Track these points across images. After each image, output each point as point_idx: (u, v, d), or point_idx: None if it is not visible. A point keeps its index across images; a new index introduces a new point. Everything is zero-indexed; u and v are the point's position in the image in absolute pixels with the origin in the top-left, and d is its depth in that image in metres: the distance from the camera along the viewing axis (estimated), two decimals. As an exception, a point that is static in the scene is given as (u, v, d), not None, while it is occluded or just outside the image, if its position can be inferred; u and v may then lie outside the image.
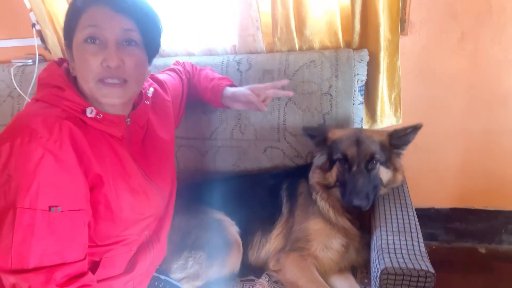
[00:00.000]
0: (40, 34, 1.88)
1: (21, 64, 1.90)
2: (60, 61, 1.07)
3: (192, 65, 1.59)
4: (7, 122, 1.77)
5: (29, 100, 1.76)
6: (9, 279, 0.86)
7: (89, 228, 0.99)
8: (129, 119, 1.11)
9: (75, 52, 0.99)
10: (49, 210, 0.88)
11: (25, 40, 1.95)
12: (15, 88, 1.84)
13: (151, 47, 1.06)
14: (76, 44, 0.98)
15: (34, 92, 1.77)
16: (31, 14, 1.83)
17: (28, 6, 1.82)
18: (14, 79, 1.85)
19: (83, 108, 0.99)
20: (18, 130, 0.90)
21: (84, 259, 0.95)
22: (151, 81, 1.31)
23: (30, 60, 1.90)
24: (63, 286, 0.88)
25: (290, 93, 1.47)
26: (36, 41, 1.88)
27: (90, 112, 0.99)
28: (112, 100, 1.01)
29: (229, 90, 1.45)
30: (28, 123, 0.90)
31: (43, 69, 1.05)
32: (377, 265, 1.07)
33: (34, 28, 1.86)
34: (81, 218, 0.94)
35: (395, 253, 1.07)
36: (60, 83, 0.99)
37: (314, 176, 1.43)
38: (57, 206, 0.89)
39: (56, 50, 1.88)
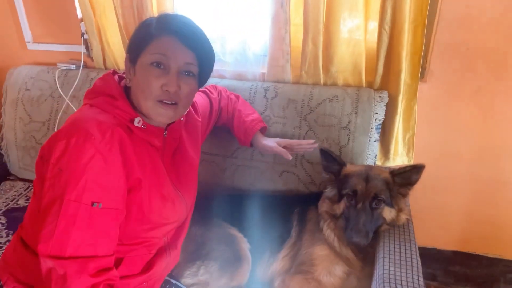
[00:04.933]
0: (86, 43, 1.98)
1: (65, 68, 1.98)
2: (113, 72, 1.16)
3: (228, 96, 1.64)
4: (45, 120, 1.95)
5: (69, 101, 1.90)
6: (47, 263, 0.91)
7: (119, 227, 1.04)
8: (166, 132, 1.20)
9: (138, 70, 1.06)
10: (92, 205, 0.93)
11: (72, 46, 2.04)
12: (57, 89, 1.93)
13: (204, 78, 1.16)
14: (142, 64, 1.05)
15: (75, 94, 1.93)
16: (82, 24, 1.93)
17: (80, 16, 1.94)
18: (57, 81, 1.94)
19: (131, 118, 1.07)
20: (74, 130, 0.96)
21: (113, 255, 0.99)
22: None
23: (74, 65, 1.98)
24: (93, 277, 0.92)
25: (315, 144, 1.50)
26: (83, 49, 1.98)
27: (138, 122, 1.07)
28: (164, 119, 1.10)
29: (259, 140, 1.53)
30: (84, 125, 0.96)
31: (99, 77, 1.13)
32: (377, 293, 1.12)
33: (82, 37, 1.96)
34: (117, 216, 1.00)
35: (395, 283, 1.11)
36: (114, 93, 1.07)
37: (323, 206, 1.47)
38: (99, 203, 0.94)
39: (99, 59, 1.98)
